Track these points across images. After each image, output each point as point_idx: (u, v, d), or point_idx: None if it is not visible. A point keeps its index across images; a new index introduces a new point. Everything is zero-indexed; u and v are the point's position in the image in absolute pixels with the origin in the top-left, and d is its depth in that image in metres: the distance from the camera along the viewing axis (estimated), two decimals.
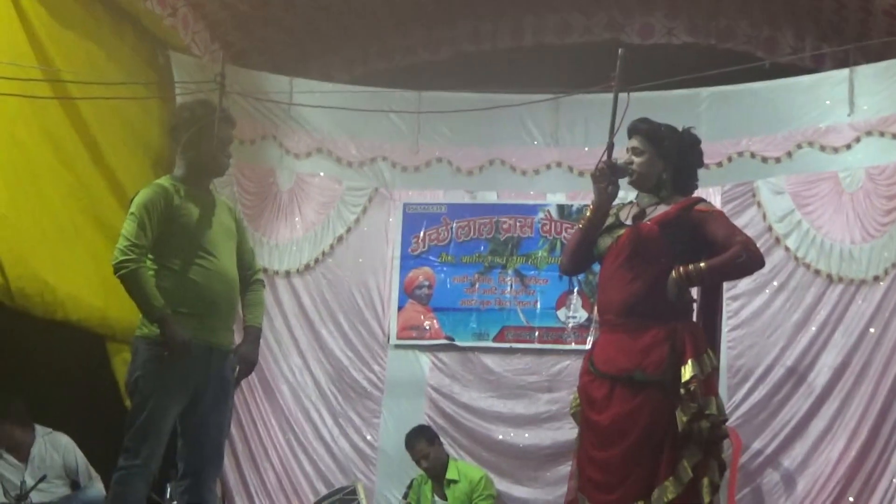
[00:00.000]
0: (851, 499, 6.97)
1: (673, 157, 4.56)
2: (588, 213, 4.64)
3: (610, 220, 4.62)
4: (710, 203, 4.71)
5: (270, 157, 8.14)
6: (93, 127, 6.72)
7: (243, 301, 5.15)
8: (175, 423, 4.75)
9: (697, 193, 4.67)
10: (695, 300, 4.59)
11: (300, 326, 8.05)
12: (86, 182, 6.71)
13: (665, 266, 4.35)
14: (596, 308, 4.84)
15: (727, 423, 4.57)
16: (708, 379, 4.29)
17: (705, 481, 4.22)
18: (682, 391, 4.23)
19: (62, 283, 6.28)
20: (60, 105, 6.47)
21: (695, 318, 4.57)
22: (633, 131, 4.61)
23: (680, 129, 4.66)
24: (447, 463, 7.29)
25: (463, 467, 7.34)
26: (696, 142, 4.66)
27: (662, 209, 4.50)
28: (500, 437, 7.78)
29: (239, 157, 7.84)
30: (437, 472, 7.23)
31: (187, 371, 4.66)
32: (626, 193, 4.85)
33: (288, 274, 8.08)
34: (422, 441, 7.28)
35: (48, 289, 6.16)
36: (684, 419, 4.20)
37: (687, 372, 4.24)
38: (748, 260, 4.36)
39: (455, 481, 7.20)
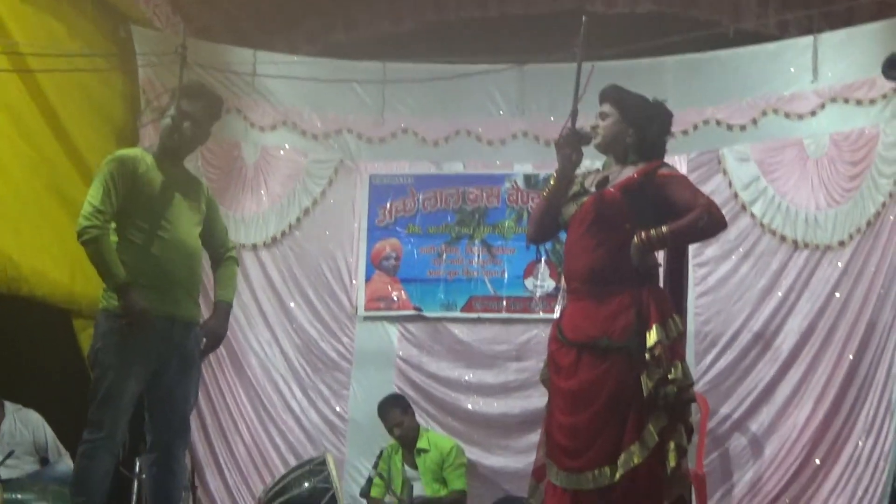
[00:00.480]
0: (818, 461, 7.05)
1: (639, 124, 4.57)
2: (552, 181, 4.65)
3: (575, 188, 4.63)
4: (672, 167, 4.68)
5: (235, 130, 8.09)
6: (54, 101, 6.66)
7: (215, 276, 5.19)
8: (141, 395, 4.76)
9: None
10: (660, 265, 4.61)
11: (268, 299, 8.03)
12: (48, 157, 6.65)
13: (629, 232, 4.35)
14: (563, 276, 4.85)
15: (694, 389, 4.60)
16: (674, 344, 4.31)
17: (672, 445, 4.24)
18: (647, 356, 4.25)
19: (26, 259, 6.24)
20: (21, 79, 6.41)
21: (661, 284, 4.59)
22: (602, 96, 4.63)
23: (651, 99, 4.68)
24: (418, 432, 7.30)
25: (433, 437, 7.35)
26: (664, 111, 4.66)
27: (626, 175, 4.51)
28: (470, 406, 7.81)
29: None
30: (409, 441, 7.24)
31: (148, 343, 4.66)
32: (592, 162, 4.86)
33: (255, 247, 8.05)
34: (396, 410, 7.29)
35: (12, 264, 6.12)
36: (650, 384, 4.21)
37: (652, 337, 4.26)
38: (710, 223, 4.36)
39: (426, 451, 7.21)
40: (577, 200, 4.57)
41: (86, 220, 4.61)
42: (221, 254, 5.18)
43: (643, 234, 4.31)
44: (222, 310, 5.09)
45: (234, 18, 8.58)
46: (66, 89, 6.73)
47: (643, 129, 4.56)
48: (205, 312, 5.28)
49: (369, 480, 7.13)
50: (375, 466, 7.08)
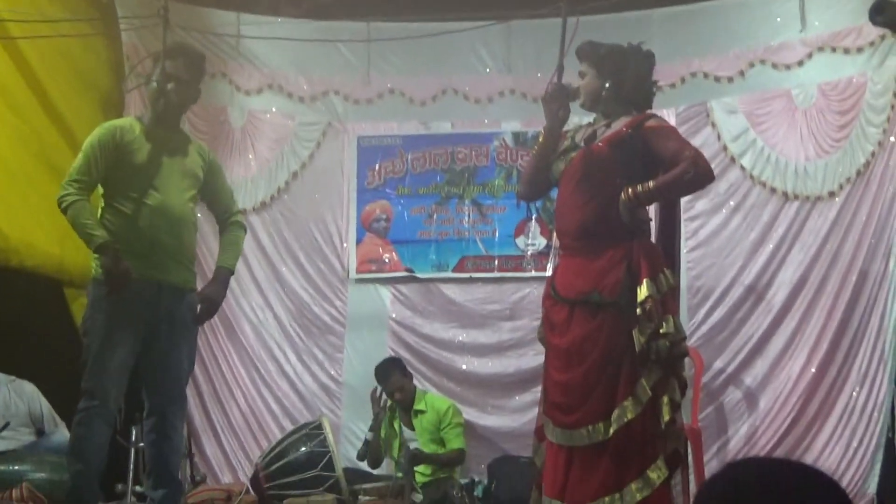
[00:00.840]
0: (812, 413, 7.07)
1: (613, 73, 4.55)
2: (540, 138, 4.64)
3: (566, 144, 4.62)
4: (661, 119, 4.65)
5: (221, 94, 8.03)
6: (38, 70, 6.60)
7: (220, 242, 5.22)
8: (136, 363, 4.77)
9: None
10: (650, 219, 4.59)
11: (259, 265, 8.00)
12: (35, 127, 6.60)
13: (619, 186, 4.34)
14: (555, 233, 4.85)
15: (688, 343, 4.60)
16: (665, 298, 4.31)
17: (665, 399, 4.25)
18: (638, 311, 4.25)
19: (16, 230, 6.21)
20: (4, 49, 6.35)
21: (653, 238, 4.58)
22: (579, 55, 4.63)
23: (626, 45, 4.65)
24: (415, 394, 7.31)
25: (430, 398, 7.35)
26: (639, 54, 4.62)
27: (614, 129, 4.49)
28: (464, 366, 7.82)
29: None
30: (408, 404, 7.25)
31: (134, 309, 4.70)
32: (581, 118, 4.85)
33: (244, 212, 7.94)
34: (396, 373, 7.26)
35: (1, 236, 6.10)
36: (642, 339, 4.22)
37: (642, 292, 4.26)
38: (696, 176, 4.33)
39: (423, 412, 7.22)
40: (566, 156, 4.56)
41: (63, 190, 4.71)
42: (226, 219, 5.22)
43: (630, 189, 4.31)
44: (221, 275, 5.11)
45: None
46: (50, 57, 6.67)
47: (618, 77, 4.54)
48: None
49: (366, 443, 7.14)
50: (372, 429, 7.09)
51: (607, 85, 4.54)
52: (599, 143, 4.45)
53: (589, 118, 4.76)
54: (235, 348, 7.90)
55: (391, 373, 7.27)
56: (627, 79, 4.54)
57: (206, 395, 7.78)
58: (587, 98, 4.60)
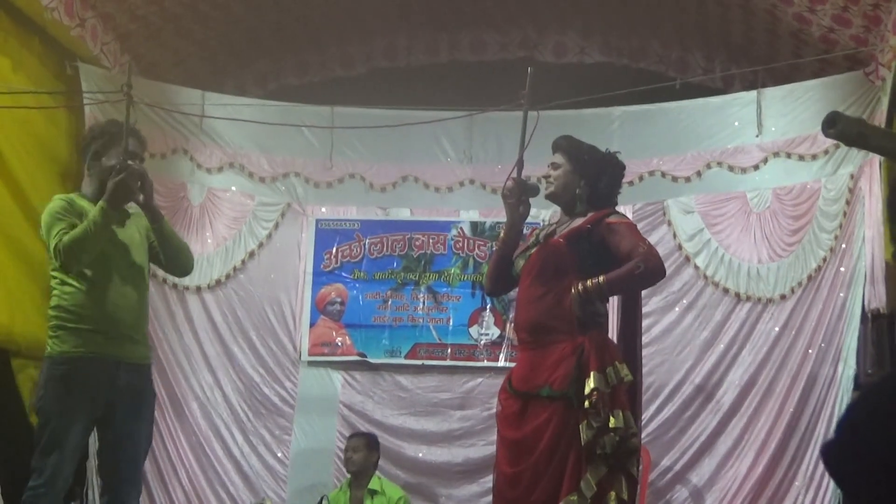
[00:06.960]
0: None
1: (590, 175, 4.60)
2: (502, 234, 4.68)
3: (531, 241, 4.66)
4: (623, 215, 4.68)
5: (182, 170, 8.04)
6: None
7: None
8: (88, 440, 4.72)
9: None
10: (606, 313, 4.57)
11: (211, 342, 7.94)
12: None
13: (573, 281, 4.36)
14: (512, 327, 4.86)
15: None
16: (615, 392, 4.27)
17: (612, 496, 4.21)
18: (586, 404, 4.23)
19: None
20: None
21: (615, 332, 4.60)
22: (555, 147, 4.68)
23: (604, 150, 4.71)
24: (373, 474, 7.22)
25: (386, 483, 7.28)
26: (616, 163, 4.69)
27: (575, 224, 4.53)
28: (412, 454, 7.77)
29: (149, 171, 7.70)
30: (360, 475, 7.15)
31: (92, 388, 4.62)
32: (539, 211, 4.89)
33: (199, 289, 7.97)
34: (363, 439, 7.26)
35: None
36: (588, 433, 4.20)
37: (589, 385, 4.23)
38: (646, 271, 4.32)
39: (377, 492, 7.14)
40: (526, 253, 4.60)
41: (55, 243, 4.60)
42: None
43: (580, 284, 4.32)
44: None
45: (184, 58, 8.56)
46: (11, 127, 6.64)
47: (594, 180, 4.60)
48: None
49: None
50: None
51: (582, 183, 4.59)
52: (559, 238, 4.48)
53: (545, 213, 4.80)
54: (182, 426, 7.79)
55: (360, 437, 7.26)
56: (602, 183, 4.60)
57: (148, 474, 7.63)
58: (557, 189, 4.63)
